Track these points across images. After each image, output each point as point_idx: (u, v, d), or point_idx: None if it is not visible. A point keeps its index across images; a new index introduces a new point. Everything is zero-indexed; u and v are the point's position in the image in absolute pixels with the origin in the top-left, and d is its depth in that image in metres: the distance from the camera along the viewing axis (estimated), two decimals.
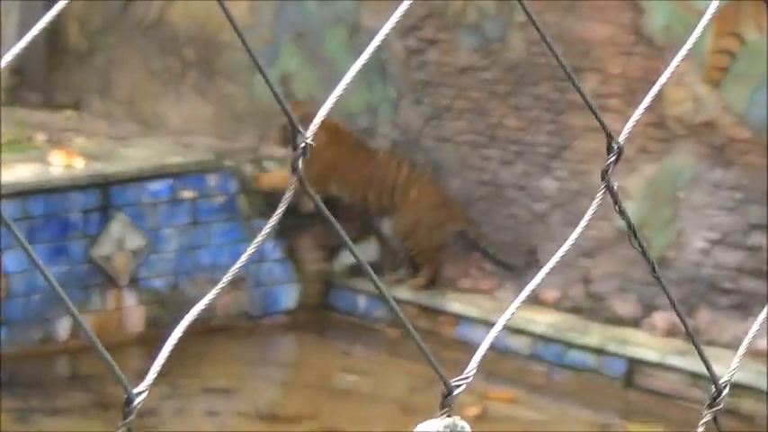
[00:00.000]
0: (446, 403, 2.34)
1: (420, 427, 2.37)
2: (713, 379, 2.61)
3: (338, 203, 19.61)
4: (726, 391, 2.79)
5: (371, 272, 2.18)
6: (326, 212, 2.02)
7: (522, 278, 18.61)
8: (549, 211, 18.93)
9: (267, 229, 2.65)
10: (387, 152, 19.68)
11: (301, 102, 19.32)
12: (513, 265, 19.29)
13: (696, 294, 17.87)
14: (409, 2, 2.32)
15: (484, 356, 2.36)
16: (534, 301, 18.10)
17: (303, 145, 2.13)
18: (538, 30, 1.68)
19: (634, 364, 17.43)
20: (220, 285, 2.46)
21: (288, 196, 2.14)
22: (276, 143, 19.51)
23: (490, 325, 14.12)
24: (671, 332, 17.75)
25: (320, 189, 18.64)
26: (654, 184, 18.26)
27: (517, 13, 19.01)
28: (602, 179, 2.40)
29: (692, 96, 17.95)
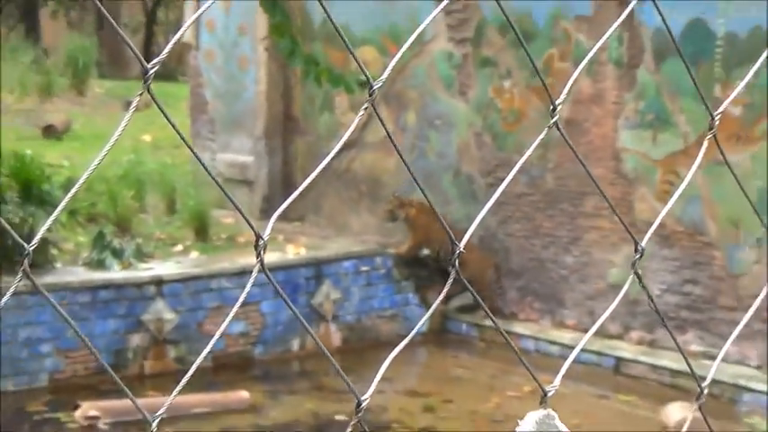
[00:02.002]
0: (542, 401, 2.50)
1: (522, 424, 2.48)
2: (695, 377, 2.81)
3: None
4: (706, 391, 3.03)
5: (487, 310, 2.83)
6: (466, 283, 2.33)
7: (554, 313, 19.49)
8: (569, 275, 19.35)
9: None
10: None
11: (414, 200, 19.48)
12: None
13: (656, 319, 17.97)
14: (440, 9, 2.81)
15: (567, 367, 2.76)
16: (563, 326, 19.17)
17: (457, 254, 2.41)
18: (514, 30, 2.52)
19: (619, 360, 18.09)
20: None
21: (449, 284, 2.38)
22: (385, 220, 20.05)
23: (539, 340, 15.69)
24: (639, 342, 18.24)
25: (422, 244, 19.89)
26: (631, 256, 18.56)
27: (552, 158, 19.47)
28: (632, 268, 2.67)
29: (650, 208, 18.08)
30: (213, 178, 2.28)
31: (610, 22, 13.67)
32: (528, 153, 2.27)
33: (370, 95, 2.08)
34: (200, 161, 2.21)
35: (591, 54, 2.78)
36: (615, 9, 17.82)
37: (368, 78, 2.20)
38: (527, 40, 19.27)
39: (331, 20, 2.29)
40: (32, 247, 2.05)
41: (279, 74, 21.70)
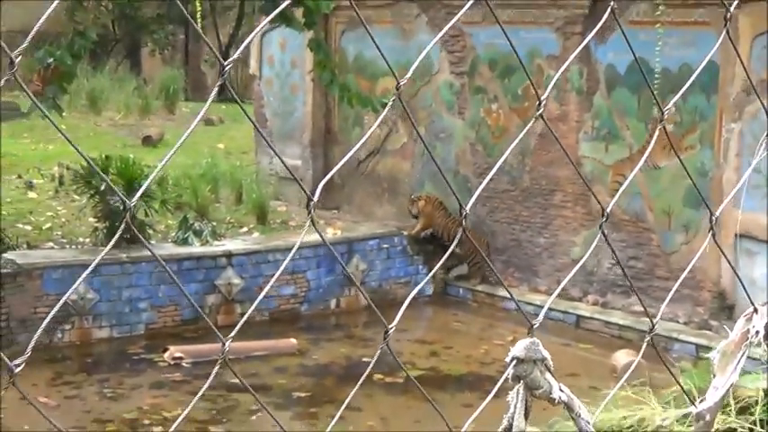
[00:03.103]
0: (529, 331, 2.38)
1: (514, 349, 2.38)
2: (649, 317, 2.68)
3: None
4: (656, 328, 2.90)
5: (498, 276, 2.76)
6: (480, 252, 2.35)
7: (530, 281, 19.45)
8: (542, 252, 19.35)
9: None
10: (455, 215, 19.32)
11: (423, 195, 19.85)
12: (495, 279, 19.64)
13: (607, 286, 18.25)
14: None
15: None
16: (536, 290, 18.93)
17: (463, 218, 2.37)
18: (503, 30, 2.50)
19: (579, 317, 18.06)
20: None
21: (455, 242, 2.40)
22: (409, 213, 19.93)
23: (519, 301, 15.51)
24: (594, 303, 18.20)
25: (429, 228, 19.76)
26: (588, 238, 18.25)
27: (528, 162, 19.45)
28: (599, 228, 2.55)
29: (603, 201, 18.51)
30: (275, 153, 2.19)
31: (571, 60, 13.52)
32: (516, 140, 2.27)
33: (397, 89, 2.05)
34: (272, 148, 2.12)
35: (559, 72, 2.72)
36: (576, 49, 17.78)
37: (395, 77, 2.22)
38: (511, 72, 19.29)
39: (383, 57, 2.18)
40: (133, 204, 2.11)
41: (321, 98, 21.69)
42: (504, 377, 2.35)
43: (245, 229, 19.64)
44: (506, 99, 19.57)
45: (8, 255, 16.66)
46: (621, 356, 16.05)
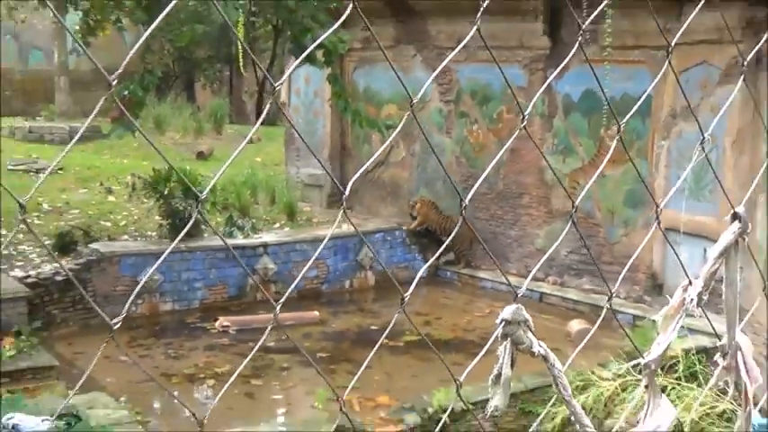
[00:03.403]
0: (515, 298, 2.34)
1: (503, 312, 2.32)
2: (609, 289, 2.55)
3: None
4: (613, 298, 2.83)
5: (494, 258, 2.84)
6: (479, 239, 2.30)
7: (503, 265, 19.11)
8: (512, 243, 19.27)
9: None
10: (448, 214, 19.56)
11: (419, 198, 19.70)
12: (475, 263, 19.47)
13: (564, 269, 18.18)
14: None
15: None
16: (508, 273, 18.33)
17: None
18: (489, 51, 2.52)
19: (542, 294, 17.96)
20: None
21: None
22: (409, 214, 19.79)
23: (494, 281, 15.55)
24: (554, 283, 18.17)
25: (424, 224, 19.59)
26: (548, 231, 18.42)
27: (502, 172, 19.33)
28: (569, 218, 2.48)
29: (561, 203, 18.39)
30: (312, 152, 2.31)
31: (536, 90, 13.58)
32: (506, 147, 2.31)
33: (411, 105, 2.17)
34: (299, 138, 2.24)
35: (533, 101, 2.78)
36: (539, 82, 17.90)
37: (409, 95, 2.20)
38: (488, 100, 19.40)
39: (405, 88, 2.31)
40: (203, 196, 2.08)
41: (337, 121, 21.66)
42: (494, 335, 2.35)
43: (277, 224, 19.61)
44: (485, 122, 19.66)
45: (93, 245, 16.83)
46: (575, 324, 16.17)
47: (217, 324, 16.31)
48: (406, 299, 2.34)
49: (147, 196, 18.20)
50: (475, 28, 2.25)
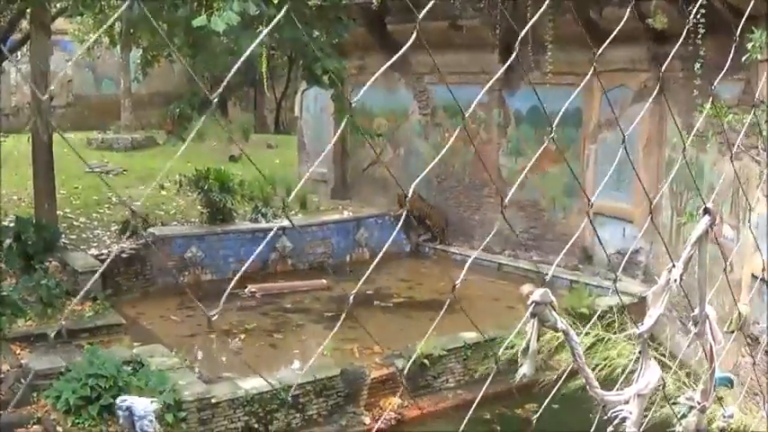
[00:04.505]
0: (543, 283, 2.16)
1: (533, 295, 2.15)
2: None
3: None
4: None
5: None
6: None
7: (470, 243, 19.27)
8: (476, 225, 19.14)
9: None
10: (429, 202, 19.29)
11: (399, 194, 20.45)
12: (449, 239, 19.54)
13: (517, 245, 18.06)
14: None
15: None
16: (473, 248, 19.04)
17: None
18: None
19: (500, 264, 17.77)
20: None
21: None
22: (397, 204, 19.22)
23: (462, 255, 15.54)
24: (509, 255, 18.06)
25: (414, 211, 19.29)
26: (509, 217, 19.12)
27: (468, 169, 19.42)
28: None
29: (515, 193, 19.28)
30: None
31: (493, 106, 13.43)
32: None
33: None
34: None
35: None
36: (496, 100, 18.01)
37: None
38: (456, 113, 19.37)
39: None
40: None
41: (339, 130, 21.63)
42: (526, 316, 2.17)
43: (293, 212, 19.51)
44: (453, 130, 19.66)
45: (150, 230, 16.88)
46: (526, 287, 16.10)
47: (246, 290, 16.35)
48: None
49: (190, 191, 18.15)
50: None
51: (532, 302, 2.16)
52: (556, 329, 2.23)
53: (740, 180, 11.24)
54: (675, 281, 2.38)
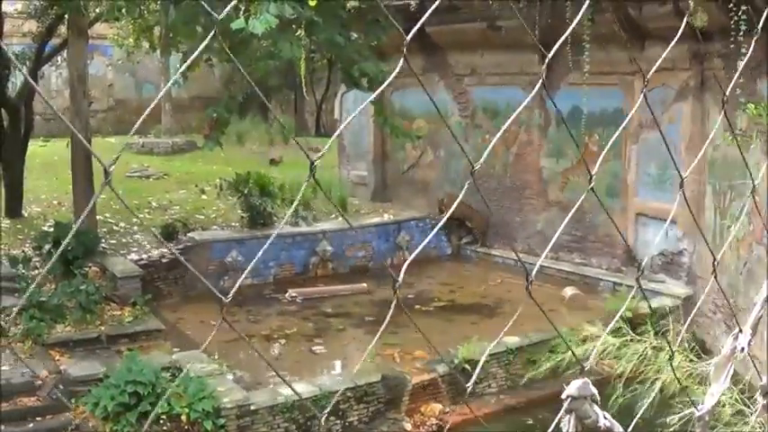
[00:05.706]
0: (581, 372, 1.89)
1: (569, 388, 1.85)
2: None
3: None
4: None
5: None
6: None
7: (508, 245, 19.01)
8: (518, 226, 18.88)
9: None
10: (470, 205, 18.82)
11: (448, 194, 19.25)
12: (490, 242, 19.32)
13: (559, 247, 17.66)
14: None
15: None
16: (515, 251, 19.66)
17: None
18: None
19: (542, 266, 17.83)
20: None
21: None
22: (438, 209, 19.35)
23: (504, 257, 15.39)
24: (552, 258, 17.76)
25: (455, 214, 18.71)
26: (546, 217, 18.03)
27: (509, 171, 19.35)
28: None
29: (555, 195, 18.09)
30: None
31: (533, 107, 13.20)
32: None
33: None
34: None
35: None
36: (538, 101, 17.80)
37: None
38: (496, 115, 19.25)
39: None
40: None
41: (378, 133, 21.45)
42: (560, 414, 1.88)
43: (333, 215, 19.52)
44: (495, 132, 19.50)
45: (190, 234, 16.93)
46: (568, 290, 16.07)
47: (287, 295, 16.33)
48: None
49: (231, 195, 18.15)
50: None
51: (568, 397, 1.88)
52: (598, 428, 1.94)
53: None
54: (743, 350, 2.08)
